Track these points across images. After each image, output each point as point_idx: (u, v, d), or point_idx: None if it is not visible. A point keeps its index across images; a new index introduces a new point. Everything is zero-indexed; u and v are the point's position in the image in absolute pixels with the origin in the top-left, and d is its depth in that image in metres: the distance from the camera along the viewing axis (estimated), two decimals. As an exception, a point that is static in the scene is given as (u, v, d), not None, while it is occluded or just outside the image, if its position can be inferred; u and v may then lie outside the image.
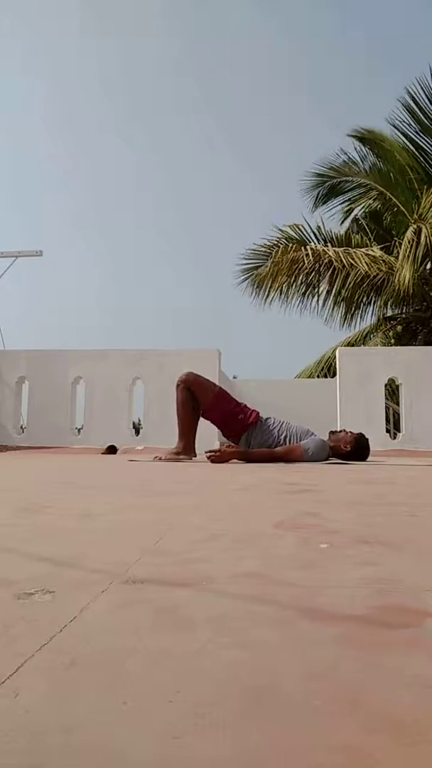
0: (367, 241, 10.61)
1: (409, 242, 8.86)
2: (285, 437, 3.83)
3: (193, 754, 0.37)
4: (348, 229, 11.63)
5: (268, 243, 10.48)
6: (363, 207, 11.62)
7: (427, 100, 10.28)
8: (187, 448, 3.98)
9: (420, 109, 10.38)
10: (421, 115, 10.43)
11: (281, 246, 10.22)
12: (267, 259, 10.33)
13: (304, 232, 10.48)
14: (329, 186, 11.56)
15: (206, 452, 3.71)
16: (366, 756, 0.37)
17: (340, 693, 0.46)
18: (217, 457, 3.60)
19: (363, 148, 11.36)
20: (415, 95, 10.24)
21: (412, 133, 10.67)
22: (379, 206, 11.35)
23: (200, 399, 3.99)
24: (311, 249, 9.81)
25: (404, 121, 10.57)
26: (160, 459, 3.93)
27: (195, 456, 4.01)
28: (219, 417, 4.02)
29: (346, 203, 11.76)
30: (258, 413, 3.98)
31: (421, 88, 10.20)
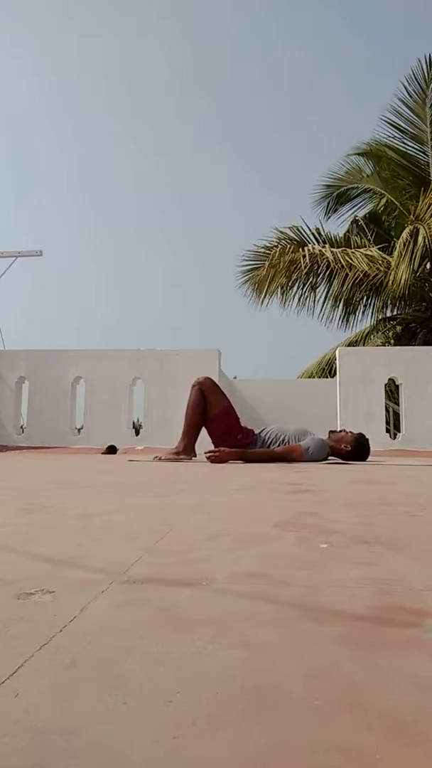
0: (366, 242, 10.63)
1: (404, 243, 8.87)
2: (283, 441, 3.84)
3: (193, 754, 0.37)
4: (347, 230, 11.67)
5: (268, 244, 10.49)
6: (365, 209, 11.78)
7: (409, 111, 10.82)
8: (187, 448, 3.99)
9: (404, 119, 10.94)
10: (405, 126, 10.98)
11: (280, 247, 10.22)
12: (266, 261, 10.34)
13: (304, 234, 10.49)
14: (337, 195, 11.87)
15: (206, 452, 3.71)
16: (366, 756, 0.37)
17: (340, 693, 0.46)
18: (217, 458, 3.61)
19: (363, 158, 11.75)
20: (398, 109, 10.82)
21: (398, 143, 11.17)
22: (381, 208, 11.44)
23: (210, 406, 4.03)
24: (308, 251, 9.81)
25: (392, 136, 11.15)
26: (160, 459, 3.93)
27: (195, 456, 4.02)
28: (220, 430, 4.04)
29: (355, 209, 12.06)
30: (254, 432, 4.01)
31: (403, 103, 10.78)
